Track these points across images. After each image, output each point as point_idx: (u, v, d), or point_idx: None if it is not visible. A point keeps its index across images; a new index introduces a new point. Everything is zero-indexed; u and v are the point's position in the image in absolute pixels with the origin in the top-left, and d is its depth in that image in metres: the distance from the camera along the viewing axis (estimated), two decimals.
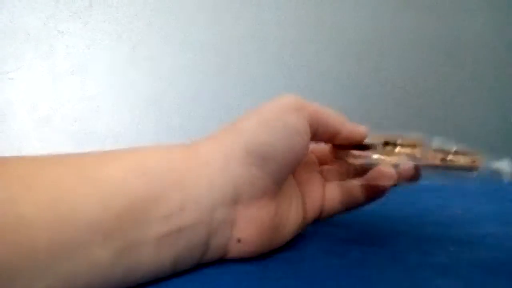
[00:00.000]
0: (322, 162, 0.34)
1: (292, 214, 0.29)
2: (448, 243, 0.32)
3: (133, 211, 0.22)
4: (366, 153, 0.31)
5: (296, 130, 0.27)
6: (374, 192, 0.31)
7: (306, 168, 0.32)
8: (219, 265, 0.27)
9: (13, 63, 0.73)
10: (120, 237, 0.22)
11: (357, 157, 0.31)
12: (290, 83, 0.79)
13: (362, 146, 0.31)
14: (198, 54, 0.77)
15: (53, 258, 0.20)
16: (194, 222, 0.24)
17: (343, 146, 0.31)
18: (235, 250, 0.27)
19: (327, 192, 0.32)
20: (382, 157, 0.30)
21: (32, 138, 0.73)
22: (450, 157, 0.29)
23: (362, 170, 0.31)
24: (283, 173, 0.27)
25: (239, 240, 0.26)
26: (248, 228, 0.26)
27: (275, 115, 0.26)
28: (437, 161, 0.29)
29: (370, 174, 0.30)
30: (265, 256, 0.28)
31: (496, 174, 0.28)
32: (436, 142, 0.30)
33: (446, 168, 0.29)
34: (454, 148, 0.29)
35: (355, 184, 0.31)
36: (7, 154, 0.24)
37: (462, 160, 0.29)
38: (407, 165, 0.29)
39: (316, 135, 0.29)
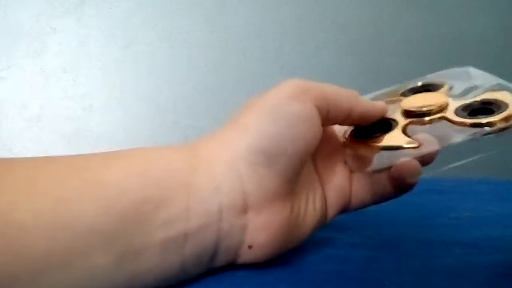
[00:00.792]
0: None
1: (309, 211, 0.27)
2: (455, 245, 0.32)
3: (135, 215, 0.22)
4: (381, 157, 0.27)
5: (301, 117, 0.25)
6: (401, 186, 0.28)
7: (328, 155, 0.29)
8: (217, 269, 0.26)
9: (4, 61, 0.73)
10: (121, 242, 0.22)
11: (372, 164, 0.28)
12: None
13: (382, 125, 0.28)
14: (194, 51, 0.77)
15: (49, 267, 0.20)
16: (200, 226, 0.23)
17: (360, 131, 0.28)
18: (245, 255, 0.25)
19: (355, 182, 0.29)
20: (405, 144, 0.27)
21: (23, 138, 0.73)
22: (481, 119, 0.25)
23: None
24: (294, 168, 0.25)
25: (250, 247, 0.25)
26: (260, 235, 0.25)
27: (276, 105, 0.25)
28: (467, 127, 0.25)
29: (395, 168, 0.27)
30: None
31: None
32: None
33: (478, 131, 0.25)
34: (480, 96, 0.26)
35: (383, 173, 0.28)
36: None
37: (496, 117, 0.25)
38: (431, 148, 0.26)
39: (328, 118, 0.26)
